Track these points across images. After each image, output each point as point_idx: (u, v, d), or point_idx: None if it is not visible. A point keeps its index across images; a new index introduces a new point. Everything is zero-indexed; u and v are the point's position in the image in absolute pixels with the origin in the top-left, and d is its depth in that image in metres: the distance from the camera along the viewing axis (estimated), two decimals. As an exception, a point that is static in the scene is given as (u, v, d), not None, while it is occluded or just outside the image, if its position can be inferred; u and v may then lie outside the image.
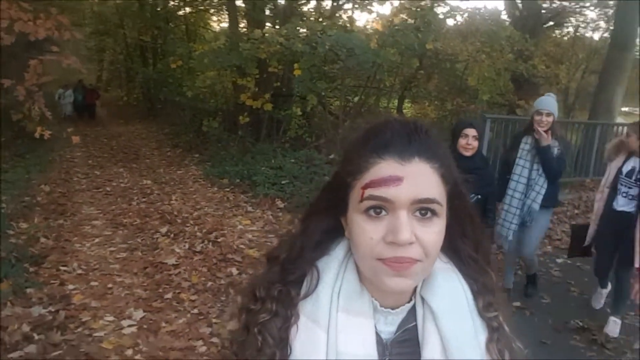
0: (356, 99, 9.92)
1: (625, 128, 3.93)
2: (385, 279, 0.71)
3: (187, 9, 16.43)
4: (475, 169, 3.00)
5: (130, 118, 17.34)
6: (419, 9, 8.09)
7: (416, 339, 0.79)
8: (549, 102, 3.75)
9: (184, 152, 10.61)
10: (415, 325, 0.80)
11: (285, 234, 0.87)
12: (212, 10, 16.73)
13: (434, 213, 0.71)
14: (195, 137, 11.01)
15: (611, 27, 10.08)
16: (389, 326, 0.79)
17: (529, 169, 3.81)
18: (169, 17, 16.49)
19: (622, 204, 3.67)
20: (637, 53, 11.78)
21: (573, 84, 14.44)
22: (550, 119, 3.68)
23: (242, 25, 11.05)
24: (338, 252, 0.81)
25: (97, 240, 4.92)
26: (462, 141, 3.02)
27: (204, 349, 3.00)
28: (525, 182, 3.82)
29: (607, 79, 9.48)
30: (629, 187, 3.66)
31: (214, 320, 3.32)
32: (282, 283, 0.80)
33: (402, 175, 0.70)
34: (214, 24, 18.50)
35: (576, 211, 6.78)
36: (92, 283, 3.88)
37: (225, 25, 15.28)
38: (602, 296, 4.09)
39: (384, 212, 0.70)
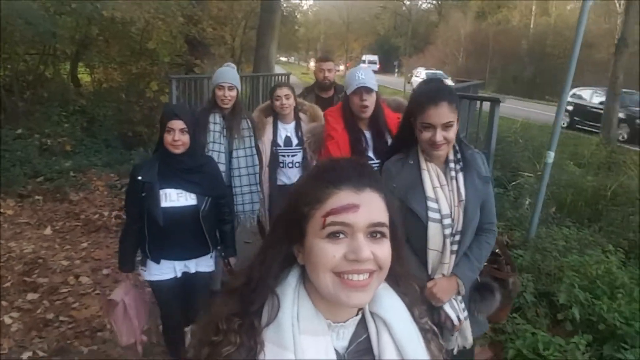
0: (22, 65, 9.22)
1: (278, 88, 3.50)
2: (345, 295, 0.81)
3: None
4: (194, 167, 2.51)
5: None
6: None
7: (369, 349, 0.90)
8: (229, 74, 3.25)
9: None
10: (367, 337, 0.90)
11: (243, 267, 0.94)
12: None
13: (383, 235, 0.83)
14: None
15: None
16: (341, 341, 0.88)
17: (225, 153, 3.30)
18: None
19: (292, 175, 3.51)
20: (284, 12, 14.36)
21: (237, 39, 16.46)
22: (234, 92, 3.22)
23: None
24: (290, 280, 0.88)
25: None
26: (168, 137, 2.37)
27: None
28: (227, 172, 3.28)
29: (262, 37, 11.45)
30: (293, 156, 3.50)
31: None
32: (243, 315, 0.86)
33: (358, 203, 0.81)
34: None
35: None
36: None
37: None
38: None
39: (342, 236, 0.81)
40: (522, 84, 34.13)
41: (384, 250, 0.83)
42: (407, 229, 1.87)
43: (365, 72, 2.67)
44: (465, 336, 2.02)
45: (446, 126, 1.81)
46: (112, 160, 7.77)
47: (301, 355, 0.81)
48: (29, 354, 3.23)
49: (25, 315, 3.62)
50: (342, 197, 0.81)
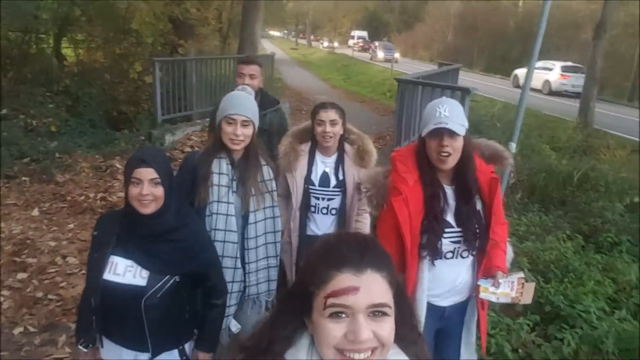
0: (4, 42, 9.18)
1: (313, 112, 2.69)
2: None
3: None
4: (162, 233, 1.82)
5: None
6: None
7: None
8: (243, 104, 2.23)
9: None
10: None
11: (259, 326, 0.98)
12: None
13: (384, 314, 0.85)
14: None
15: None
16: None
17: (236, 217, 2.26)
18: None
19: (324, 224, 2.73)
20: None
21: (225, 14, 16.35)
22: (249, 130, 2.22)
23: None
24: (304, 341, 0.92)
25: None
26: (133, 190, 1.74)
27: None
28: (236, 243, 2.27)
29: (247, 18, 11.49)
30: (329, 199, 2.70)
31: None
32: None
33: (358, 285, 0.83)
34: None
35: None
36: None
37: None
38: None
39: (344, 315, 0.84)
40: (509, 64, 34.29)
41: (385, 328, 0.85)
42: None
43: (451, 107, 1.93)
44: None
45: None
46: (98, 141, 7.88)
47: None
48: (21, 329, 3.47)
49: (16, 294, 3.84)
50: (343, 279, 0.85)
